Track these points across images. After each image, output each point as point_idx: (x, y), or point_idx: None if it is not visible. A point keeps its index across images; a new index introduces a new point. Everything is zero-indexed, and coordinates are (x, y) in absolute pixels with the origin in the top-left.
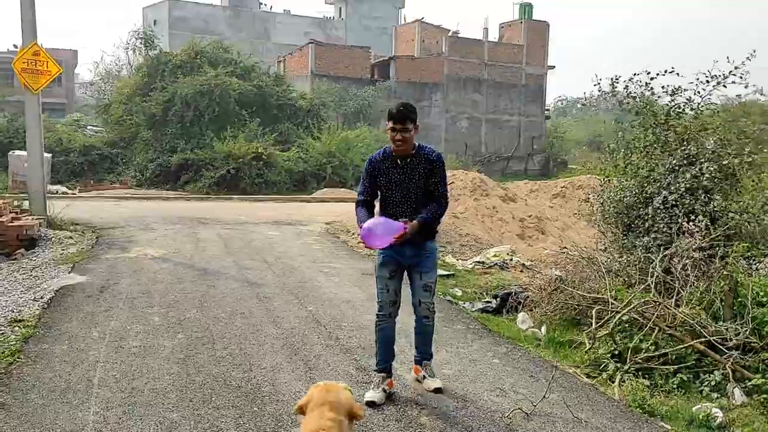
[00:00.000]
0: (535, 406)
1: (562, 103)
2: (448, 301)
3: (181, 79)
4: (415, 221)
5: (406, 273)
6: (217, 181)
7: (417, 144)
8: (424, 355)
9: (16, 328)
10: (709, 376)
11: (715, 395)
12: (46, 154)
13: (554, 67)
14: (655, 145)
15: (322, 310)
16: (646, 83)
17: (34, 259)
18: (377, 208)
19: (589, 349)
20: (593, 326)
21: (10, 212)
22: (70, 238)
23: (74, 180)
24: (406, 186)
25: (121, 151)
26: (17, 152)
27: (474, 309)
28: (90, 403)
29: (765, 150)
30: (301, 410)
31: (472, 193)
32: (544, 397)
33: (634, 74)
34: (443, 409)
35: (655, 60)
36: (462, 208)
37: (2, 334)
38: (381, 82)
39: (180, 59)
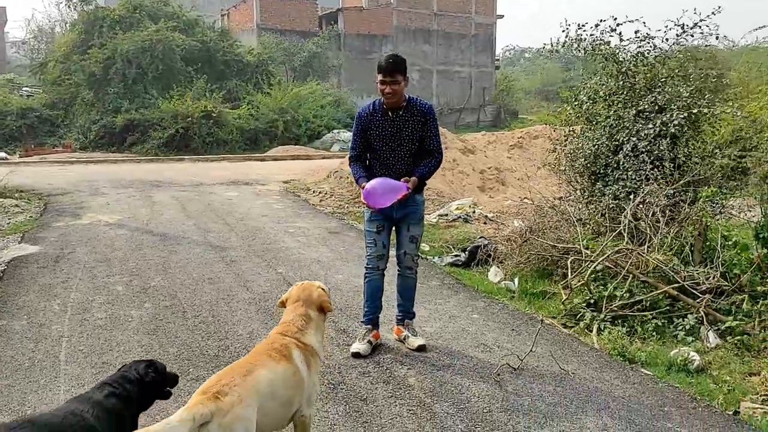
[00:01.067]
0: (522, 360)
1: (510, 53)
2: (418, 256)
3: (120, 35)
4: (414, 177)
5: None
6: (166, 141)
7: (408, 96)
8: (405, 313)
9: None
10: (683, 321)
11: (689, 339)
12: None
13: (503, 16)
14: (620, 94)
15: (293, 271)
16: (612, 29)
17: None
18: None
19: (565, 299)
20: (569, 276)
21: None
22: (16, 206)
23: (13, 145)
24: (398, 139)
25: (62, 113)
26: None
27: (444, 263)
28: (59, 381)
29: (720, 96)
30: (283, 304)
31: None
32: (531, 350)
33: (601, 20)
34: (430, 368)
35: (602, 10)
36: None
37: None
38: (327, 31)
39: (118, 14)
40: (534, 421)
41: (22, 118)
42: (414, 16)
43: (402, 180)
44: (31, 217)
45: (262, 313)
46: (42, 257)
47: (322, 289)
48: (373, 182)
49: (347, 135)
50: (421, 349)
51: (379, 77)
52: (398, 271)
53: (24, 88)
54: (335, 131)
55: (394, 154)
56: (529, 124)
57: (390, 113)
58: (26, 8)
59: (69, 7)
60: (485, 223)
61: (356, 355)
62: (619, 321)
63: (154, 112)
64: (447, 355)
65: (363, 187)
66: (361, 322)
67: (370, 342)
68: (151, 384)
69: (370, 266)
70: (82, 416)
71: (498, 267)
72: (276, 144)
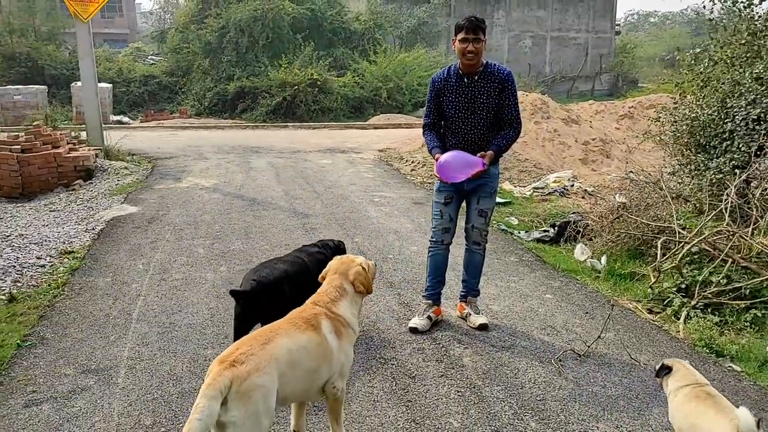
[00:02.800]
0: (588, 346)
1: (634, 18)
2: (503, 230)
3: (234, 5)
4: (491, 151)
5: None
6: (274, 108)
7: (485, 61)
8: (470, 290)
9: (65, 260)
10: None
11: None
12: (106, 85)
13: None
14: (745, 56)
15: (368, 241)
16: None
17: (90, 189)
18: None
19: (654, 282)
20: (658, 258)
21: (68, 143)
22: (126, 168)
23: (135, 110)
24: (473, 107)
25: (180, 80)
26: (77, 83)
27: (530, 238)
28: (127, 339)
29: None
30: (323, 279)
31: (532, 116)
32: (599, 337)
33: None
34: (488, 349)
35: None
36: (521, 132)
37: (52, 265)
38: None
39: None
40: (590, 413)
41: (145, 84)
42: None
43: (478, 155)
44: (137, 179)
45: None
46: (138, 218)
47: (363, 267)
48: (448, 155)
49: None
50: (483, 328)
51: (460, 36)
52: (465, 245)
53: (150, 56)
54: None
55: (468, 123)
56: (648, 93)
57: (465, 78)
58: None
59: None
60: (583, 197)
61: (414, 330)
62: (712, 310)
63: (263, 80)
64: (509, 336)
65: (437, 159)
66: (423, 296)
67: (429, 318)
68: (339, 253)
69: (434, 239)
70: (302, 259)
71: (585, 244)
72: (380, 112)
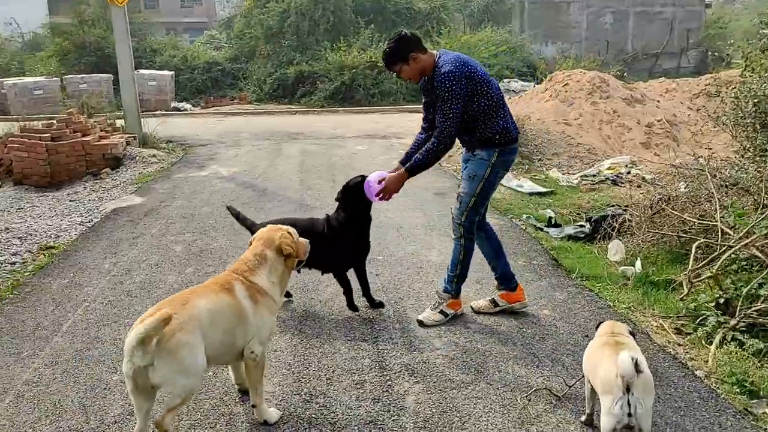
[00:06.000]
0: (570, 386)
1: None
2: (531, 225)
3: None
4: (402, 169)
5: None
6: (332, 93)
7: (439, 57)
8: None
9: (41, 256)
10: None
11: None
12: (168, 72)
13: None
14: None
15: None
16: None
17: (115, 178)
18: None
19: (686, 295)
20: (690, 264)
21: (102, 131)
22: (154, 156)
23: (198, 97)
24: (431, 107)
25: (243, 66)
26: (141, 71)
27: (561, 235)
28: (41, 355)
29: None
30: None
31: (589, 96)
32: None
33: None
34: (443, 385)
35: None
36: (575, 114)
37: (23, 263)
38: None
39: None
40: None
41: (208, 71)
42: None
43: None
44: (162, 167)
45: (298, 289)
46: (137, 210)
47: (289, 233)
48: (374, 175)
49: (518, 84)
50: (420, 324)
51: None
52: None
53: (223, 44)
54: (506, 80)
55: (435, 123)
56: (736, 68)
57: (426, 80)
58: None
59: None
60: (639, 186)
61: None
62: (757, 333)
63: (322, 64)
64: (476, 367)
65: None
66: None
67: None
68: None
69: None
70: (314, 221)
71: (620, 244)
72: None
